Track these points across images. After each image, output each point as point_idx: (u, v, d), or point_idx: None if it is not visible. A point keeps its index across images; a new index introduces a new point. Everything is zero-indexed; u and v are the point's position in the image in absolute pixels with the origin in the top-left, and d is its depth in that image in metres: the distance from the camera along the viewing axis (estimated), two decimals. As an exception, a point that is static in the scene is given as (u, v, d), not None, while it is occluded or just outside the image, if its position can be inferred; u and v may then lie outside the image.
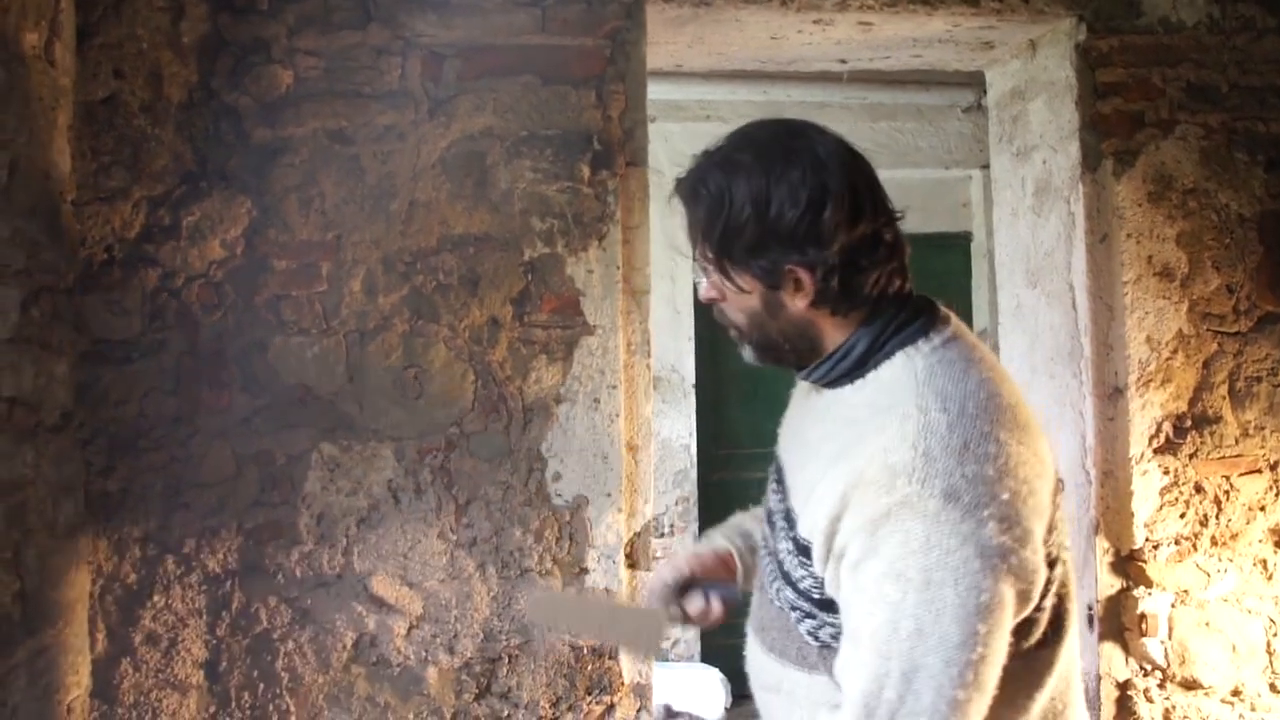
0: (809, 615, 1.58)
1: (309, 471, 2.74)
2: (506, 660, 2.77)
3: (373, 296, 2.76)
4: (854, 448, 1.50)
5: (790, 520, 1.62)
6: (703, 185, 1.60)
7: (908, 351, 1.57)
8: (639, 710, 2.81)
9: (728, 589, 1.92)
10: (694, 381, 6.09)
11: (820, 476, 1.54)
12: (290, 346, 2.74)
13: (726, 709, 5.76)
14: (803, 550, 1.56)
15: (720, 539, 2.03)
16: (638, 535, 2.84)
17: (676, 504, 6.08)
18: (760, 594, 1.74)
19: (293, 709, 2.72)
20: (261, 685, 2.71)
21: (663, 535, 6.04)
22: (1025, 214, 3.40)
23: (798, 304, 1.59)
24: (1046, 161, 3.27)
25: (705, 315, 6.11)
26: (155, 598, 2.69)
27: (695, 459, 6.10)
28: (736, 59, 3.43)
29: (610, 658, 2.79)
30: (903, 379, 1.54)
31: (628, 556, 2.82)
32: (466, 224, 2.79)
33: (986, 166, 4.63)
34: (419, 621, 2.75)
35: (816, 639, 1.58)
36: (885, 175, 5.11)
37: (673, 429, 6.08)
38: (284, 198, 2.75)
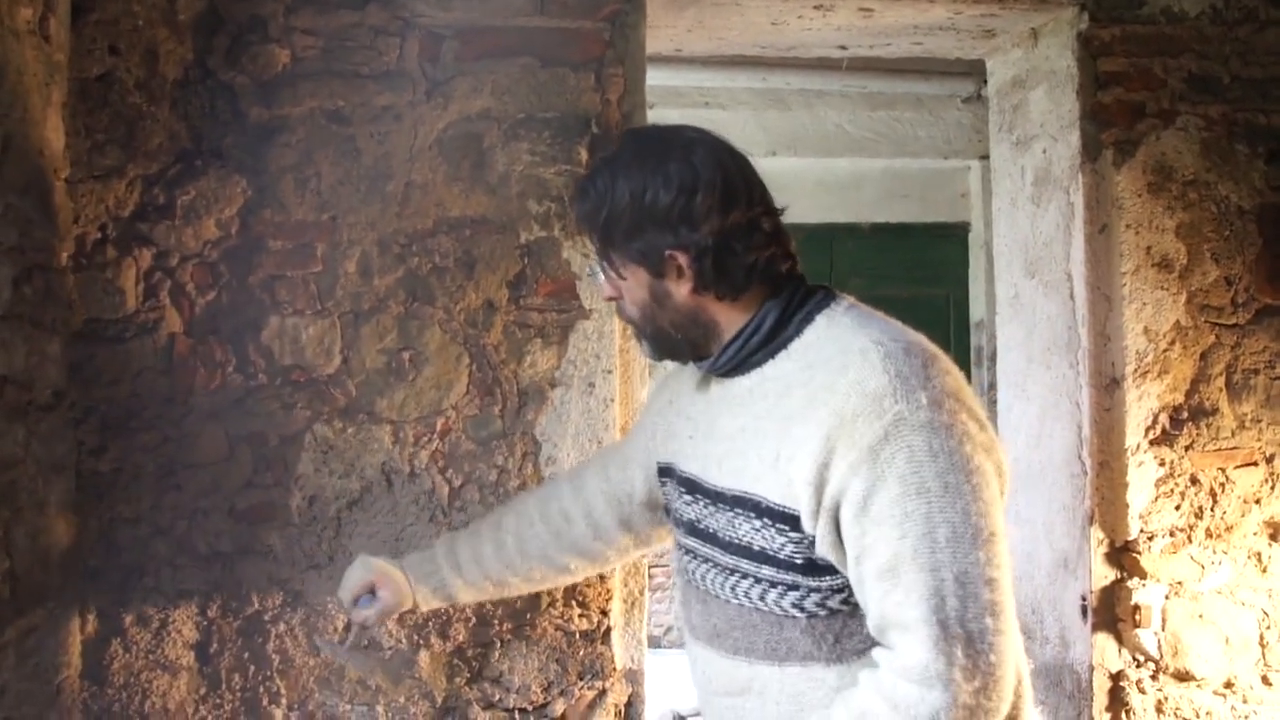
0: (792, 588, 1.61)
1: (302, 453, 2.73)
2: (499, 644, 2.76)
3: (368, 278, 2.74)
4: (815, 400, 1.55)
5: (747, 503, 1.64)
6: (591, 183, 1.71)
7: (826, 314, 1.67)
8: (630, 696, 2.81)
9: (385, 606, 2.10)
10: (689, 368, 6.07)
11: (779, 442, 1.59)
12: (285, 327, 2.73)
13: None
14: (782, 519, 1.59)
15: (401, 579, 2.11)
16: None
17: (671, 491, 6.07)
18: (704, 604, 1.76)
19: (283, 691, 2.71)
20: (252, 667, 2.70)
21: (657, 522, 6.03)
22: (1024, 203, 3.39)
23: (682, 290, 1.68)
24: (1046, 151, 3.26)
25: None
26: (146, 579, 2.68)
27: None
28: (736, 44, 3.41)
29: (603, 643, 2.78)
30: (834, 333, 1.63)
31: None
32: (463, 206, 2.78)
33: (985, 157, 4.61)
34: (411, 605, 2.74)
35: (802, 609, 1.61)
36: (883, 165, 5.15)
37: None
38: (280, 178, 2.73)
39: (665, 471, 1.90)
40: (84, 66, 2.66)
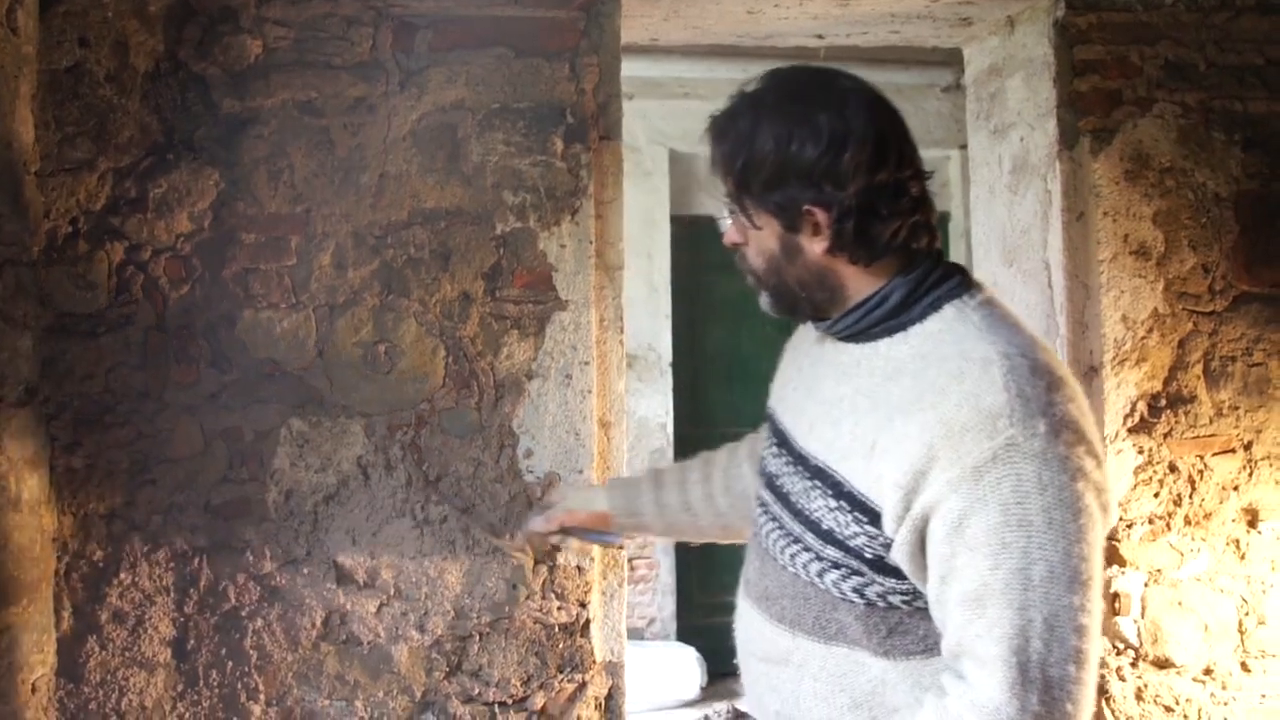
0: (855, 573, 1.55)
1: (278, 448, 2.71)
2: (477, 638, 2.75)
3: (342, 270, 2.73)
4: (923, 399, 1.47)
5: (827, 479, 1.57)
6: (731, 122, 1.59)
7: (956, 305, 1.56)
8: (610, 688, 2.80)
9: (604, 536, 2.16)
10: (671, 360, 6.08)
11: (877, 431, 1.51)
12: (259, 321, 2.71)
13: (702, 688, 5.77)
14: (862, 509, 1.52)
15: (603, 500, 2.14)
16: (610, 512, 2.82)
17: (653, 483, 6.06)
18: (762, 562, 1.70)
19: (261, 687, 2.70)
20: (230, 663, 2.69)
21: (639, 514, 6.03)
22: (1002, 192, 3.39)
23: (815, 248, 1.57)
24: (1024, 139, 3.25)
25: (683, 293, 6.16)
26: (122, 575, 2.66)
27: (672, 437, 6.09)
28: (712, 33, 3.40)
29: (582, 635, 2.77)
30: (959, 330, 1.53)
31: (600, 534, 2.80)
32: (438, 198, 2.76)
33: (965, 146, 4.60)
34: (389, 599, 2.73)
35: (862, 596, 1.55)
36: (862, 153, 4.94)
37: (649, 407, 6.07)
38: (253, 170, 2.71)
39: (768, 417, 1.82)
40: (53, 58, 2.64)
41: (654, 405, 6.08)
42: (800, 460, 1.64)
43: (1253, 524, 3.10)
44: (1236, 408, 3.11)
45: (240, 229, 2.70)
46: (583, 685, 2.78)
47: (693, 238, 6.12)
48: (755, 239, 1.63)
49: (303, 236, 2.72)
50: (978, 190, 3.58)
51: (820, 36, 3.47)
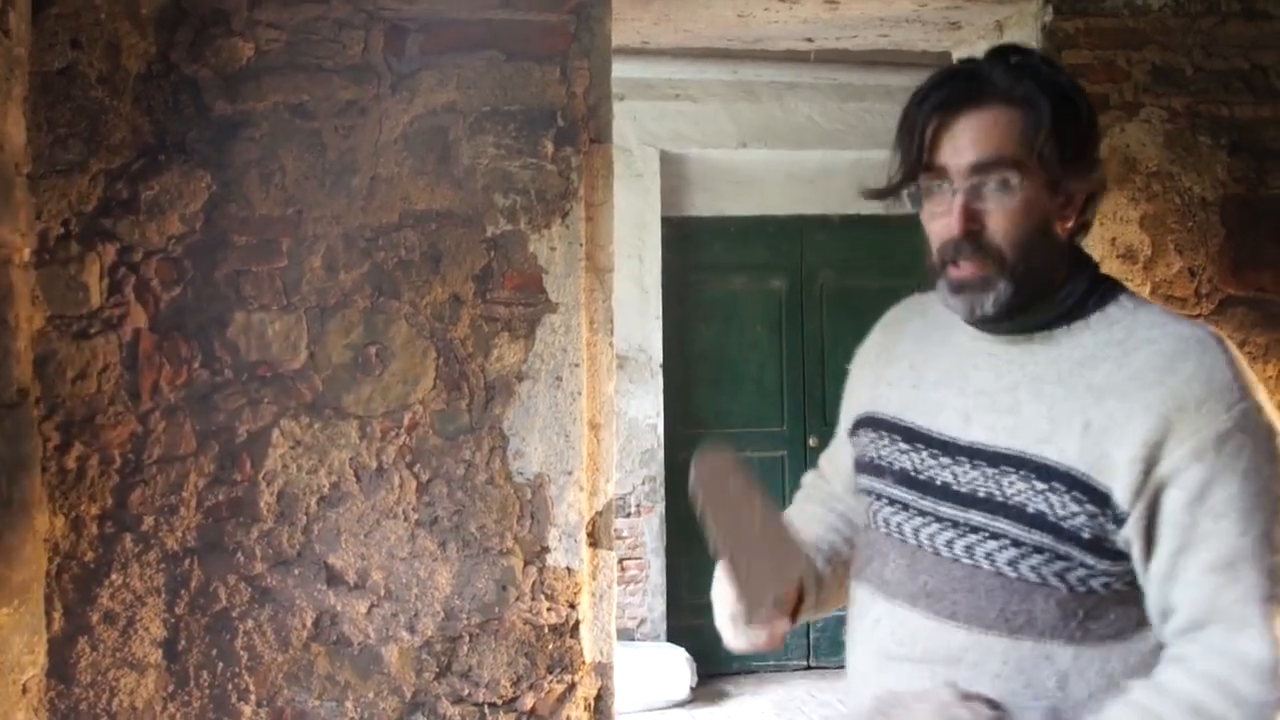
0: (1061, 558, 1.51)
1: (269, 449, 2.72)
2: (467, 639, 2.76)
3: (334, 272, 2.74)
4: (1141, 379, 1.49)
5: (1026, 464, 1.54)
6: (1007, 88, 1.53)
7: (1129, 295, 1.61)
8: (600, 689, 2.81)
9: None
10: (661, 361, 6.09)
11: (1085, 412, 1.51)
12: (250, 322, 2.72)
13: (692, 689, 5.78)
14: (1081, 489, 1.50)
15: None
16: (599, 514, 2.84)
17: (643, 483, 6.09)
18: (913, 560, 1.63)
19: (252, 688, 2.70)
20: (221, 664, 2.70)
21: (629, 515, 6.05)
22: (990, 195, 3.40)
23: (1064, 228, 1.57)
24: (1012, 143, 3.27)
25: (673, 295, 6.17)
26: (113, 576, 2.66)
27: (662, 439, 6.10)
28: (703, 36, 3.42)
29: (572, 636, 2.79)
30: (1150, 316, 1.57)
31: (589, 535, 2.81)
32: (429, 200, 2.77)
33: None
34: (380, 600, 2.74)
35: (1064, 581, 1.52)
36: (854, 156, 5.14)
37: (640, 408, 6.08)
38: (244, 172, 2.72)
39: (865, 423, 1.77)
40: (45, 60, 2.64)
41: (644, 406, 6.09)
42: (963, 451, 1.61)
43: (1238, 525, 3.12)
44: (1222, 410, 3.13)
45: (232, 231, 2.71)
46: (572, 686, 2.79)
47: (684, 239, 6.13)
48: (1009, 216, 1.54)
49: (294, 238, 2.73)
50: (966, 193, 3.59)
51: (810, 40, 3.50)
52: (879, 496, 1.71)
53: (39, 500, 2.60)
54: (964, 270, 1.56)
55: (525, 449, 2.78)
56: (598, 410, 2.85)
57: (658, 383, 6.09)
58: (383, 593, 2.74)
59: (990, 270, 1.55)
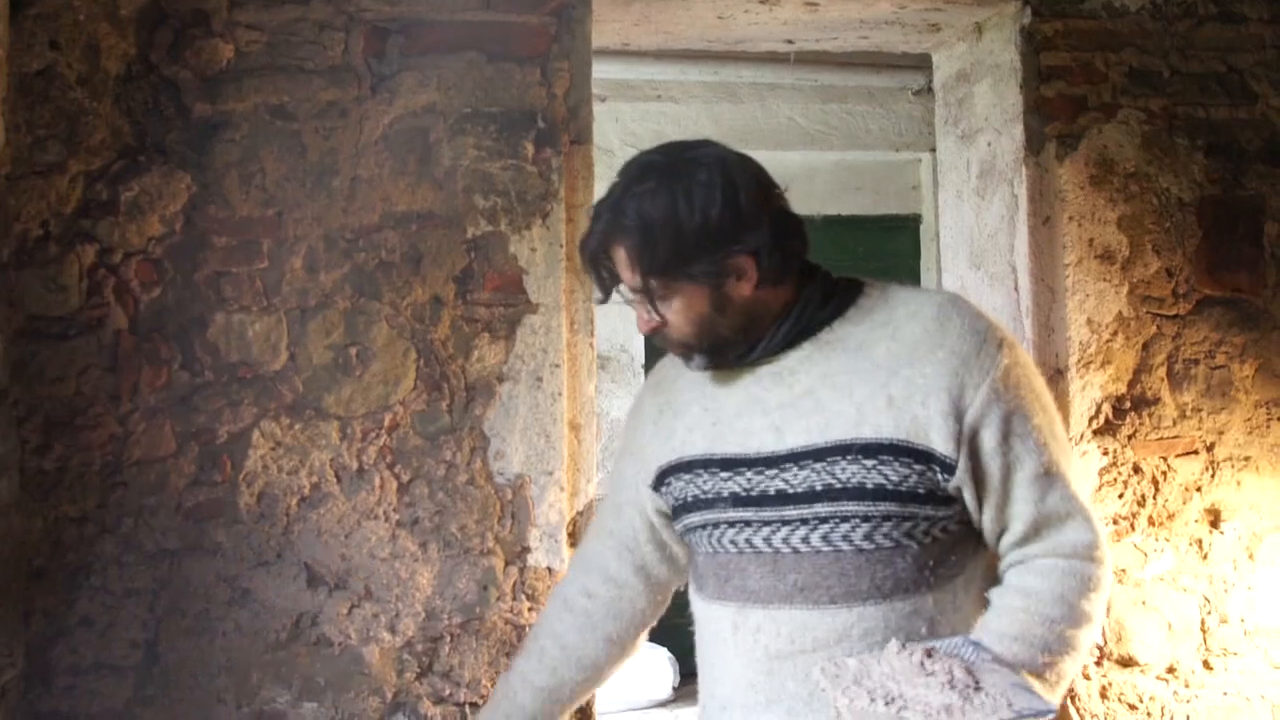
0: (906, 518, 1.71)
1: (250, 450, 2.72)
2: (448, 639, 2.77)
3: (314, 274, 2.74)
4: (923, 345, 1.72)
5: (850, 449, 1.71)
6: (618, 223, 1.71)
7: (874, 285, 1.83)
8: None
9: None
10: (643, 362, 6.09)
11: (884, 388, 1.71)
12: (231, 324, 2.71)
13: (674, 688, 5.79)
14: (906, 453, 1.69)
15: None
16: (580, 514, 2.84)
17: (625, 484, 6.08)
18: (774, 566, 1.76)
19: (231, 689, 2.70)
20: (200, 666, 2.69)
21: (612, 515, 6.04)
22: (969, 196, 3.43)
23: (743, 291, 1.73)
24: (991, 144, 3.29)
25: (655, 296, 6.16)
26: (93, 578, 2.66)
27: (645, 439, 6.10)
28: (684, 38, 3.42)
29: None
30: (899, 294, 1.81)
31: (570, 535, 2.82)
32: (409, 201, 2.77)
33: (935, 150, 4.66)
34: (360, 600, 2.74)
35: (912, 538, 1.72)
36: (835, 157, 5.17)
37: (621, 409, 6.07)
38: (224, 173, 2.72)
39: (674, 470, 1.86)
40: (24, 61, 2.63)
41: (626, 407, 6.06)
42: (786, 459, 1.75)
43: (1215, 524, 3.15)
44: (1199, 410, 3.15)
45: (212, 232, 2.71)
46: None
47: (666, 240, 6.12)
48: (677, 313, 1.74)
49: (274, 240, 2.73)
50: (946, 194, 3.61)
51: (790, 41, 3.50)
52: (716, 525, 1.82)
53: (18, 502, 2.59)
54: (670, 349, 1.83)
55: (506, 449, 2.78)
56: (578, 410, 2.85)
57: (639, 383, 6.10)
58: (363, 593, 2.74)
59: (681, 349, 1.80)
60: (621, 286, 1.77)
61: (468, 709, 2.76)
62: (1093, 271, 3.10)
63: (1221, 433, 3.16)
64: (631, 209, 1.69)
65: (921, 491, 1.70)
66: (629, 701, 5.60)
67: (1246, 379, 3.17)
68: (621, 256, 1.72)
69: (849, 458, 1.71)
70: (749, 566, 1.79)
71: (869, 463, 1.70)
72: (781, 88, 5.96)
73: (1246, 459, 3.16)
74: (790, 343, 1.78)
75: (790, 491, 1.74)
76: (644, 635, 2.10)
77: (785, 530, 1.75)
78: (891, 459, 1.69)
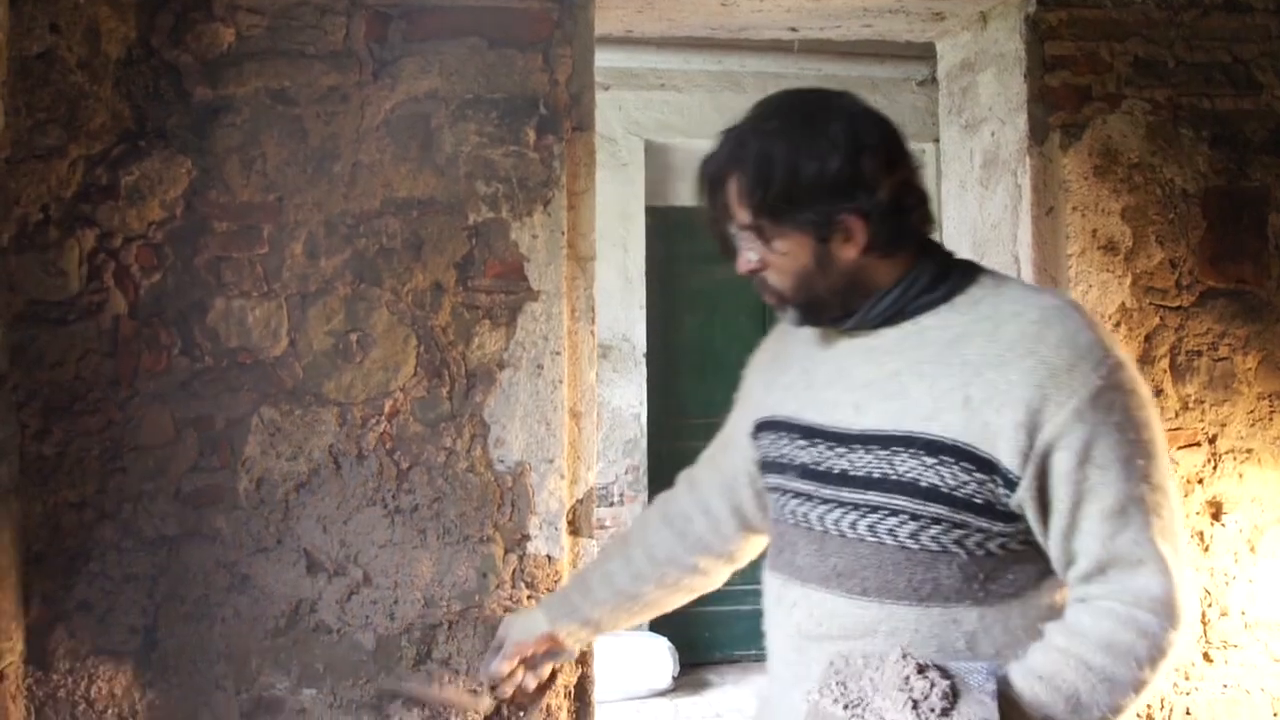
0: (957, 525, 1.64)
1: (249, 436, 2.71)
2: (446, 626, 2.76)
3: (315, 259, 2.73)
4: (1015, 349, 1.63)
5: (915, 441, 1.66)
6: (736, 155, 1.69)
7: (991, 275, 1.75)
8: (580, 677, 2.81)
9: (558, 656, 2.25)
10: (645, 350, 6.09)
11: (965, 387, 1.64)
12: (231, 309, 2.71)
13: (674, 677, 5.80)
14: (969, 459, 1.62)
15: (543, 621, 2.20)
16: (580, 502, 2.84)
17: (626, 473, 6.10)
18: (821, 544, 1.75)
19: (230, 675, 2.70)
20: (199, 651, 2.69)
21: (612, 504, 6.06)
22: (973, 186, 3.41)
23: (849, 253, 1.69)
24: (995, 134, 3.28)
25: (657, 284, 6.17)
26: (91, 563, 2.65)
27: (646, 428, 6.11)
28: (687, 25, 3.41)
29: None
30: (1012, 291, 1.72)
31: (570, 523, 2.81)
32: (410, 187, 2.76)
33: (939, 140, 4.64)
34: (359, 587, 2.73)
35: (963, 546, 1.64)
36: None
37: (623, 398, 6.08)
38: (225, 158, 2.71)
39: (766, 425, 1.89)
40: (24, 45, 2.62)
41: (628, 395, 6.09)
42: (855, 439, 1.72)
43: (1216, 517, 3.14)
44: (1202, 401, 3.14)
45: (212, 217, 2.70)
46: (553, 674, 2.79)
47: (668, 229, 6.13)
48: (780, 261, 1.72)
49: (275, 225, 2.72)
50: (949, 184, 3.60)
51: (794, 29, 3.49)
52: (784, 491, 1.83)
53: (17, 487, 2.59)
54: (765, 296, 1.79)
55: (506, 437, 2.78)
56: (579, 398, 2.85)
57: (641, 372, 6.10)
58: (362, 580, 2.73)
59: (776, 299, 1.77)
60: (732, 225, 1.75)
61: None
62: (1096, 262, 3.09)
63: (1224, 425, 3.15)
64: (753, 143, 1.68)
65: (978, 501, 1.62)
66: (629, 690, 5.60)
67: (1249, 371, 3.16)
68: (733, 189, 1.70)
69: (911, 451, 1.66)
70: (800, 541, 1.79)
71: (930, 460, 1.64)
72: (785, 77, 5.95)
73: (1249, 451, 3.15)
74: (889, 320, 1.73)
75: (852, 474, 1.72)
76: (727, 573, 2.15)
77: (838, 512, 1.72)
78: (953, 461, 1.63)
